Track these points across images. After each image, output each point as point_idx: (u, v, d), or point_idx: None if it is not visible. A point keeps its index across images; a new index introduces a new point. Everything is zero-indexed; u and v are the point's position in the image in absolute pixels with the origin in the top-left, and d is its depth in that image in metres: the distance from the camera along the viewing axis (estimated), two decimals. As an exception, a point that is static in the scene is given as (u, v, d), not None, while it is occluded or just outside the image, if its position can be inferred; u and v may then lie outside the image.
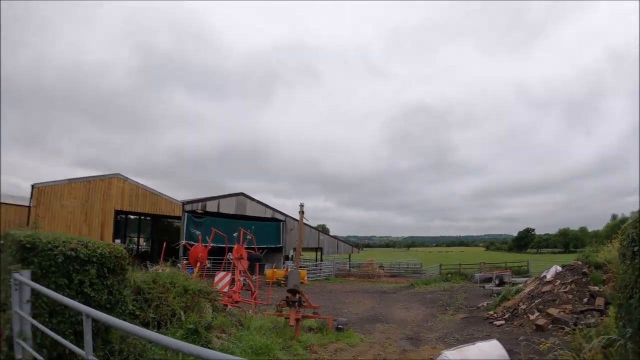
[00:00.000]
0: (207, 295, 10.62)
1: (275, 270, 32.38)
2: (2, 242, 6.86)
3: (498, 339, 8.86)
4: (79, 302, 5.08)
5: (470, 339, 13.28)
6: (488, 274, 35.06)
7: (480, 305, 22.24)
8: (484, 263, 49.07)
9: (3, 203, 45.66)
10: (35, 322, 5.49)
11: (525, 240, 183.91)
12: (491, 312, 18.92)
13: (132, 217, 52.28)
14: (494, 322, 16.98)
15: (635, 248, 5.96)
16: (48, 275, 6.03)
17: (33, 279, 5.76)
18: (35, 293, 5.73)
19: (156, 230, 52.60)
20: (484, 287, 29.29)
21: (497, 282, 29.76)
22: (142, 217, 52.50)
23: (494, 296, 24.07)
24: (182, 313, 9.00)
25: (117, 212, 35.67)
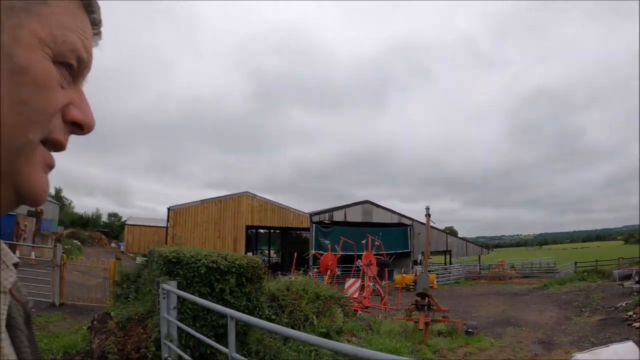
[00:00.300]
0: (338, 301, 10.83)
1: (404, 275, 32.09)
2: (147, 258, 7.86)
3: (635, 342, 8.18)
4: (220, 309, 5.56)
5: (607, 343, 12.24)
6: (627, 270, 31.63)
7: (618, 305, 20.55)
8: (622, 258, 44.50)
9: (142, 225, 50.88)
10: (182, 325, 6.06)
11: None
12: (630, 313, 17.17)
13: (262, 231, 54.92)
14: (633, 324, 15.39)
15: None
16: (192, 284, 6.67)
17: (179, 289, 6.36)
18: (180, 300, 6.31)
19: (285, 242, 54.78)
20: (622, 285, 26.51)
21: (637, 278, 26.58)
22: (272, 231, 54.92)
23: (633, 295, 21.81)
24: (314, 318, 9.30)
25: (248, 227, 37.75)
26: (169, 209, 34.13)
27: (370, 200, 44.70)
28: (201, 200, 35.16)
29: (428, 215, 17.28)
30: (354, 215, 42.77)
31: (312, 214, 40.78)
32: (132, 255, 37.08)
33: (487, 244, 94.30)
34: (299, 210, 39.69)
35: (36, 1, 0.56)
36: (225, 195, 36.43)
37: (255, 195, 37.32)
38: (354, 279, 19.11)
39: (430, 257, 32.57)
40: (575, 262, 46.18)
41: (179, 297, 6.27)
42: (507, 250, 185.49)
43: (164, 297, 6.35)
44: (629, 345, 7.71)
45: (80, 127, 0.61)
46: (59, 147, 0.60)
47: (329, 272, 19.09)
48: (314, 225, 40.23)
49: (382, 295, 18.61)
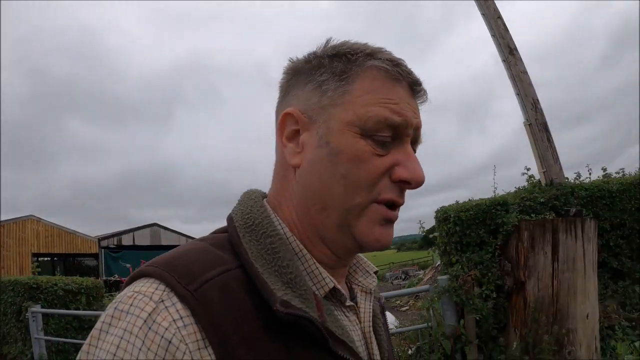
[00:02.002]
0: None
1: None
2: None
3: (399, 319, 12.04)
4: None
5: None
6: (396, 272, 38.73)
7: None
8: (393, 263, 53.16)
9: None
10: (61, 339, 7.51)
11: (433, 237, 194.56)
12: (398, 302, 22.49)
13: (47, 258, 51.14)
14: (400, 309, 20.56)
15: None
16: (52, 306, 7.91)
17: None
18: (45, 321, 7.57)
19: (71, 269, 51.90)
20: (392, 283, 32.83)
21: (402, 276, 33.32)
22: (55, 258, 51.56)
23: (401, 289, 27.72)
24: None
25: (35, 255, 35.57)
26: None
27: (158, 222, 45.28)
28: (-22, 225, 31.96)
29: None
30: (143, 239, 42.60)
31: (100, 238, 39.75)
32: None
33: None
34: (87, 235, 38.20)
35: (338, 95, 0.71)
36: (8, 220, 33.72)
37: (40, 218, 35.30)
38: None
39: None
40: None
41: (44, 315, 7.49)
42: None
43: (34, 320, 7.33)
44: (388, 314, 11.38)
45: (407, 183, 0.71)
46: (394, 204, 0.72)
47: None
48: (102, 250, 39.52)
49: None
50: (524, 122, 6.70)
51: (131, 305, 0.58)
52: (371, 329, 0.82)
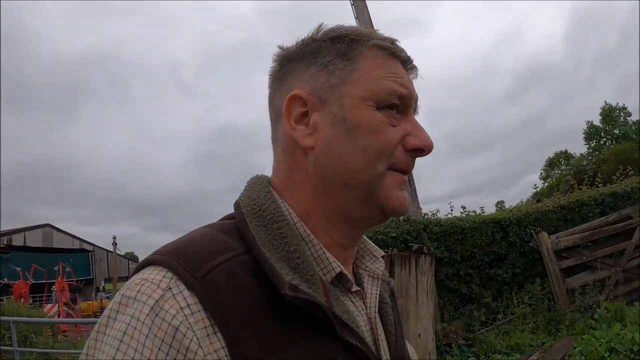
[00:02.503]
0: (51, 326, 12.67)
1: (90, 302, 32.69)
2: None
3: None
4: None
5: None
6: None
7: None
8: None
9: None
10: None
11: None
12: None
13: None
14: None
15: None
16: None
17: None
18: None
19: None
20: None
21: None
22: None
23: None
24: (33, 336, 11.11)
25: None
26: None
27: (51, 223, 43.14)
28: None
29: (115, 244, 19.48)
30: (34, 240, 40.27)
31: (-13, 237, 37.38)
32: None
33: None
34: None
35: (347, 73, 0.75)
36: None
37: None
38: (52, 304, 19.96)
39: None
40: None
41: None
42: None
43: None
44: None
45: (421, 150, 0.76)
46: (405, 171, 0.77)
47: (22, 300, 19.60)
48: (-10, 251, 36.96)
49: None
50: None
51: (138, 292, 0.59)
52: (377, 314, 0.82)
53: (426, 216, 7.92)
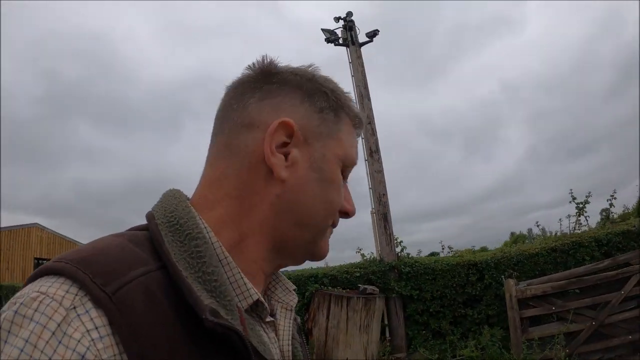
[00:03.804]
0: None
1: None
2: None
3: None
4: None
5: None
6: None
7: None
8: None
9: None
10: None
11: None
12: None
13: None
14: None
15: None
16: None
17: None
18: None
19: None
20: None
21: None
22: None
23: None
24: None
25: (37, 259, 38.17)
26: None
27: None
28: (-12, 230, 34.83)
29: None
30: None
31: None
32: None
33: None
34: (83, 243, 40.59)
35: (335, 129, 0.80)
36: (15, 226, 36.58)
37: (44, 227, 38.05)
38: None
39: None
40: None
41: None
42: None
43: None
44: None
45: (347, 214, 0.84)
46: (335, 225, 0.84)
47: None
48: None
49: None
50: (371, 210, 8.80)
51: (36, 310, 0.49)
52: (290, 347, 0.79)
53: (402, 257, 8.89)
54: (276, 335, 0.78)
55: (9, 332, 0.48)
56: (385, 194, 8.75)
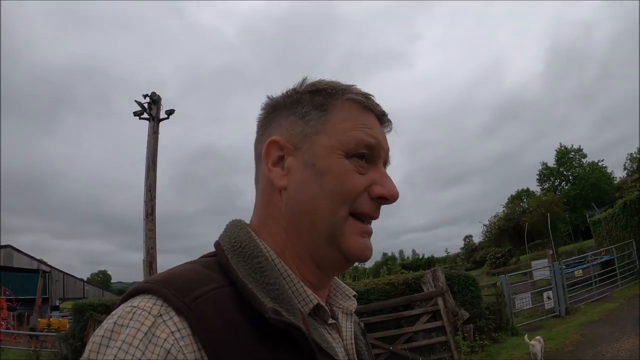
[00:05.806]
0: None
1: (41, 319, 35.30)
2: None
3: None
4: None
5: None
6: None
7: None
8: None
9: None
10: None
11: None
12: None
13: None
14: None
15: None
16: None
17: None
18: None
19: None
20: None
21: None
22: None
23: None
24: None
25: None
26: None
27: (13, 245, 44.27)
28: None
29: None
30: (-4, 260, 41.09)
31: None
32: None
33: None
34: None
35: (320, 124, 0.81)
36: None
37: None
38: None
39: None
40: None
41: None
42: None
43: None
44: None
45: (385, 199, 0.81)
46: (369, 217, 0.81)
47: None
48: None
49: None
50: (142, 259, 11.88)
51: (131, 319, 0.60)
52: (354, 347, 0.86)
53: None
54: (340, 336, 0.84)
55: (109, 338, 0.59)
56: (153, 247, 11.85)
